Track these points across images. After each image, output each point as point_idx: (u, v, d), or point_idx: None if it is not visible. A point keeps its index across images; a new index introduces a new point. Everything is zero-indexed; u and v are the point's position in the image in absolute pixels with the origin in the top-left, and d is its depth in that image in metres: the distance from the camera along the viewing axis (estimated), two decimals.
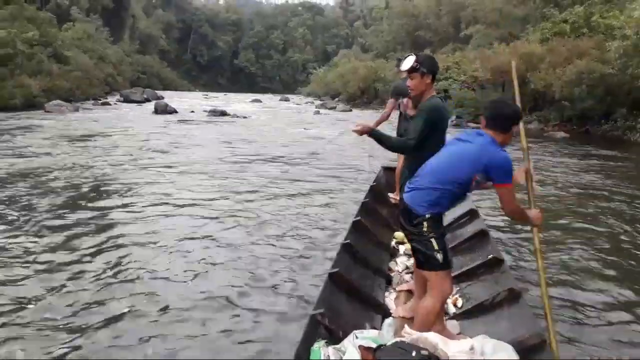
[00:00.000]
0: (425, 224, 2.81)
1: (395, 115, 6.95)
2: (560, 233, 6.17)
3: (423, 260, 2.88)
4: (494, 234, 5.08)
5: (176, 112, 25.60)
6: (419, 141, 3.22)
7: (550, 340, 2.62)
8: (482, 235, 4.59)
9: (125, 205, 6.78)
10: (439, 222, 2.89)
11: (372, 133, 3.26)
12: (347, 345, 2.66)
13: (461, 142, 2.90)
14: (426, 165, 2.94)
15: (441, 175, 2.82)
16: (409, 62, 3.30)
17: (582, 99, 18.41)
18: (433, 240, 2.81)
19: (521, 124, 3.02)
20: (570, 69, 19.03)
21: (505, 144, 2.85)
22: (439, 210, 2.85)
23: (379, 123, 6.44)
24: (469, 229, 4.92)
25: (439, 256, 2.82)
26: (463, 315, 3.48)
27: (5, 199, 6.87)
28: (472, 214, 5.27)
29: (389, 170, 6.84)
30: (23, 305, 3.80)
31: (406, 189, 2.97)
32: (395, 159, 6.39)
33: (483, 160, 2.73)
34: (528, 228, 3.20)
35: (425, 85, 3.33)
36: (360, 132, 3.25)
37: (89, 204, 6.77)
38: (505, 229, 6.21)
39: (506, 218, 6.68)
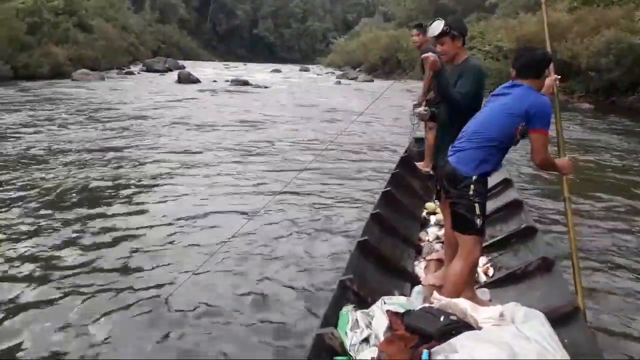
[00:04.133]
0: (472, 187, 2.82)
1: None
2: (591, 203, 6.13)
3: (462, 224, 2.91)
4: (528, 203, 5.01)
5: (199, 81, 25.57)
6: (467, 100, 3.20)
7: (579, 299, 2.67)
8: (516, 205, 4.55)
9: (154, 180, 6.83)
10: (485, 185, 2.90)
11: (440, 71, 3.24)
12: (375, 310, 2.71)
13: (499, 97, 2.90)
14: (469, 126, 2.94)
15: (485, 133, 2.82)
16: (437, 26, 3.26)
17: (609, 69, 17.94)
18: (477, 205, 2.83)
19: (551, 66, 3.04)
20: (598, 38, 18.50)
21: (539, 90, 2.85)
22: (485, 169, 2.85)
23: (426, 94, 6.45)
24: (503, 198, 4.87)
25: (478, 221, 2.85)
26: (494, 283, 3.49)
27: (36, 170, 7.01)
28: (506, 183, 5.24)
29: (420, 140, 6.78)
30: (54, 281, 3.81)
31: (450, 152, 2.96)
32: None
33: (524, 106, 2.72)
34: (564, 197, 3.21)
35: (457, 48, 3.34)
36: (434, 66, 3.17)
37: (115, 181, 6.75)
38: (540, 199, 6.17)
39: (541, 187, 6.77)
